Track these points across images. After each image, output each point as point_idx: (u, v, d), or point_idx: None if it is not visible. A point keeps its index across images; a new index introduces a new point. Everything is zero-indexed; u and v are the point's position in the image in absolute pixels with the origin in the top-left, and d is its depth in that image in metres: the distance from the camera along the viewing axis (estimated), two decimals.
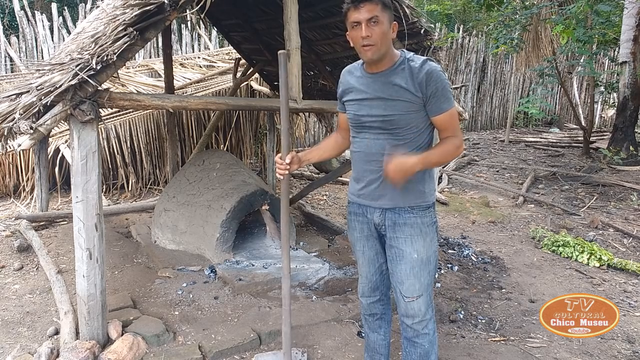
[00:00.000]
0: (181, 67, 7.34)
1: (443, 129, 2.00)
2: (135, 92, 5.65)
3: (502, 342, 2.98)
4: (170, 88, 4.99)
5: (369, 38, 1.88)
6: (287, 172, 2.15)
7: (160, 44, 7.72)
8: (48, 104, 2.18)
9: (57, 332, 2.82)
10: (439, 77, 1.92)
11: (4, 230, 4.56)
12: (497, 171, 8.09)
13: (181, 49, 8.93)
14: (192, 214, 4.03)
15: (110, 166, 5.97)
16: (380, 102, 1.97)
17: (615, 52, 10.65)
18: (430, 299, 2.10)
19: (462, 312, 3.35)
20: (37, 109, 2.16)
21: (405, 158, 1.88)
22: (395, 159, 1.87)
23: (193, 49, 9.08)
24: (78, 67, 2.16)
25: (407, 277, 2.03)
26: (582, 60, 7.64)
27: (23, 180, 5.71)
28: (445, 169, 8.10)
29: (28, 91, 2.26)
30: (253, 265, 3.78)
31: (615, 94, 9.62)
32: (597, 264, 4.25)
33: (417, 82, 1.91)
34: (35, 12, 7.88)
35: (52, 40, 7.82)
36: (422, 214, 2.05)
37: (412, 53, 2.04)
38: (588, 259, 4.32)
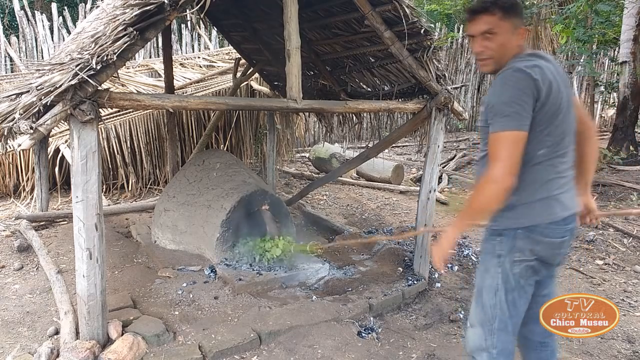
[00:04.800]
0: (181, 67, 7.33)
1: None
2: (135, 92, 5.65)
3: None
4: (170, 88, 4.99)
5: (482, 52, 1.82)
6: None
7: (160, 44, 7.72)
8: (48, 104, 2.18)
9: (57, 332, 2.82)
10: (491, 91, 1.78)
11: (4, 230, 4.56)
12: None
13: (181, 49, 8.93)
14: (192, 213, 4.03)
15: (110, 166, 5.97)
16: None
17: (615, 52, 10.65)
18: (482, 340, 1.88)
19: (462, 312, 3.35)
20: (37, 109, 2.16)
21: (444, 232, 1.78)
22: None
23: (193, 49, 9.09)
24: (78, 67, 2.16)
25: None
26: (582, 60, 7.65)
27: (23, 180, 5.71)
28: (445, 168, 8.10)
29: (28, 91, 2.26)
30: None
31: (615, 94, 9.62)
32: None
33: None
34: (35, 12, 7.88)
35: (52, 40, 7.82)
36: (487, 239, 1.90)
37: (528, 60, 1.78)
38: None
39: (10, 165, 5.69)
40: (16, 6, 7.90)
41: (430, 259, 1.90)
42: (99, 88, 2.36)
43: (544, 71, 1.71)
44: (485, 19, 1.78)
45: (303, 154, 9.00)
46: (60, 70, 2.27)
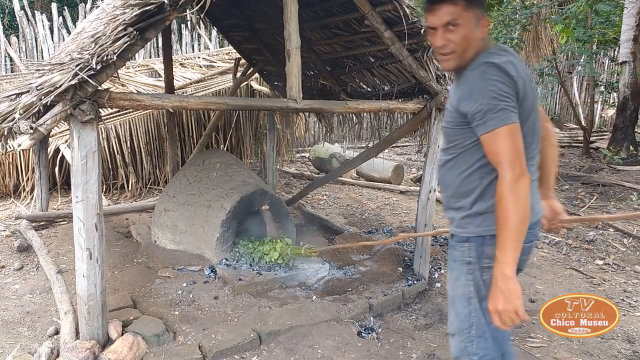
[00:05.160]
0: (181, 67, 7.34)
1: (490, 159, 1.62)
2: (135, 92, 5.65)
3: None
4: (170, 88, 4.99)
5: (445, 47, 1.66)
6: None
7: (160, 44, 7.72)
8: (48, 104, 2.18)
9: (57, 332, 2.82)
10: (469, 89, 1.60)
11: (4, 230, 4.56)
12: None
13: (181, 49, 8.94)
14: (192, 213, 4.02)
15: (110, 166, 5.97)
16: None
17: (615, 52, 10.65)
18: (462, 347, 1.80)
19: None
20: (37, 109, 2.16)
21: (495, 278, 1.55)
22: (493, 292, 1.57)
23: (193, 49, 9.09)
24: (78, 67, 2.16)
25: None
26: (582, 60, 7.64)
27: (23, 180, 5.71)
28: None
29: (28, 91, 2.25)
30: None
31: (615, 94, 9.62)
32: None
33: (459, 92, 1.64)
34: (35, 12, 7.89)
35: (52, 40, 7.83)
36: (455, 245, 1.80)
37: (501, 55, 1.63)
38: None
39: (10, 165, 5.69)
40: (16, 6, 7.90)
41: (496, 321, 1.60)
42: (99, 88, 2.36)
43: (517, 68, 1.60)
44: (447, 8, 1.62)
45: (303, 154, 9.00)
46: (60, 70, 2.27)
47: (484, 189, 1.67)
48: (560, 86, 9.73)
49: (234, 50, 6.03)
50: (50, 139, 5.52)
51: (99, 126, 2.50)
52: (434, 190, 3.72)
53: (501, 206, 1.53)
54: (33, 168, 5.48)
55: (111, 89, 2.48)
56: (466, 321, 1.77)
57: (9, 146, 2.47)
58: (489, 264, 1.70)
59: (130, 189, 6.04)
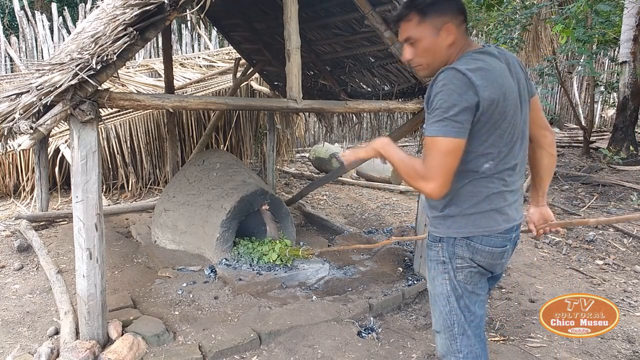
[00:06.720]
0: (181, 67, 7.34)
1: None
2: (135, 92, 5.65)
3: (502, 342, 2.98)
4: (170, 88, 4.99)
5: (412, 60, 1.73)
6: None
7: (160, 44, 7.72)
8: (48, 104, 2.18)
9: (57, 332, 2.82)
10: (430, 90, 1.62)
11: (4, 230, 4.56)
12: None
13: (181, 49, 8.94)
14: (192, 213, 4.03)
15: (110, 166, 5.97)
16: None
17: (615, 52, 10.64)
18: (448, 345, 1.82)
19: None
20: (37, 109, 2.16)
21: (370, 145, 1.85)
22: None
23: (193, 49, 9.10)
24: (78, 67, 2.16)
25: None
26: (582, 60, 7.64)
27: (23, 180, 5.71)
28: None
29: (28, 91, 2.25)
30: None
31: (615, 94, 9.62)
32: None
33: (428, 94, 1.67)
34: (35, 12, 7.89)
35: (52, 40, 7.83)
36: (430, 245, 1.83)
37: (474, 60, 1.60)
38: None
39: (10, 165, 5.69)
40: (16, 6, 7.90)
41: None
42: (99, 88, 2.36)
43: (490, 74, 1.57)
44: (404, 26, 1.69)
45: (303, 154, 9.00)
46: (60, 70, 2.27)
47: (456, 192, 1.68)
48: (560, 86, 9.73)
49: (234, 50, 6.03)
50: (50, 139, 5.52)
51: (99, 126, 2.50)
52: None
53: (405, 170, 1.67)
54: (33, 168, 5.48)
55: (111, 89, 2.48)
56: (448, 319, 1.81)
57: (9, 146, 2.47)
58: (462, 264, 1.74)
59: (130, 189, 6.04)
